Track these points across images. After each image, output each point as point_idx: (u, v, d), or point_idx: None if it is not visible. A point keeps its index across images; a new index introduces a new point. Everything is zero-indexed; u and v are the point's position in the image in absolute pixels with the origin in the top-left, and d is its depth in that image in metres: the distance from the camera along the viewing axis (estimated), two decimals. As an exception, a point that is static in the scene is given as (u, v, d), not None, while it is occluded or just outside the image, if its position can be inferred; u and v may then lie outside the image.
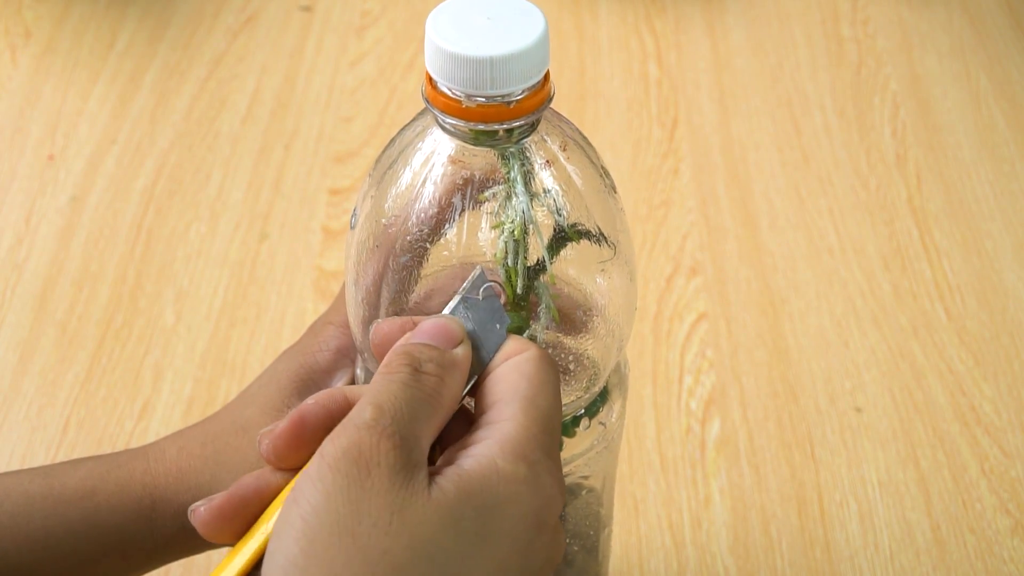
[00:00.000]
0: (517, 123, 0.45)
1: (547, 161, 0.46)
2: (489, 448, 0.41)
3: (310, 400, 0.43)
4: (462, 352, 0.44)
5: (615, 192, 0.49)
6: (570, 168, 0.47)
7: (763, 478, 0.73)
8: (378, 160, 0.49)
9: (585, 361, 0.49)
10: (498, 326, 0.45)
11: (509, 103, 0.44)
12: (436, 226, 0.46)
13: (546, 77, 0.45)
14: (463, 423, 0.44)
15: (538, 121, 0.46)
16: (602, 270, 0.48)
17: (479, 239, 0.46)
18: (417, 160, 0.47)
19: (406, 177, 0.47)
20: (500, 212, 0.46)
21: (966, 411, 0.77)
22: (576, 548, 0.57)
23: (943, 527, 0.71)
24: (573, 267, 0.48)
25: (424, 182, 0.46)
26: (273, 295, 0.84)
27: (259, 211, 0.90)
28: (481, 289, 0.45)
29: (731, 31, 1.05)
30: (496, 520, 0.40)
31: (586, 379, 0.50)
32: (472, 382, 0.44)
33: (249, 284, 0.84)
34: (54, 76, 1.01)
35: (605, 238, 0.48)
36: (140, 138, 0.95)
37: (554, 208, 0.46)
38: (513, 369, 0.43)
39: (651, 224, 0.88)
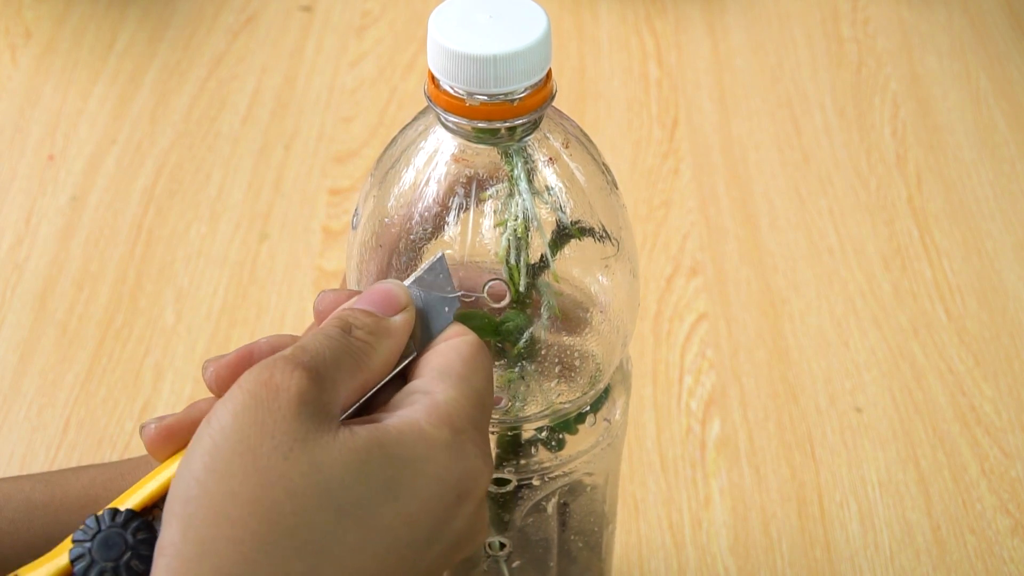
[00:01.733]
0: (520, 121, 0.45)
1: (550, 159, 0.46)
2: (416, 411, 0.41)
3: (262, 338, 0.44)
4: (400, 320, 0.44)
5: (617, 189, 0.49)
6: (572, 165, 0.47)
7: (763, 478, 0.73)
8: (380, 160, 0.49)
9: (589, 357, 0.49)
10: (447, 309, 0.45)
11: (512, 101, 0.44)
12: (438, 225, 0.46)
13: (548, 75, 0.45)
14: (394, 394, 0.44)
15: (541, 119, 0.46)
16: (605, 266, 0.48)
17: (482, 237, 0.46)
18: (419, 159, 0.47)
19: (408, 176, 0.47)
20: (503, 210, 0.46)
21: (966, 411, 0.77)
22: (580, 545, 0.57)
23: (943, 527, 0.71)
24: (577, 264, 0.48)
25: (427, 181, 0.46)
26: (273, 295, 0.84)
27: (259, 211, 0.90)
28: (438, 272, 0.45)
29: (731, 31, 1.05)
30: (408, 475, 0.40)
31: (590, 375, 0.50)
32: (412, 357, 0.44)
33: (249, 284, 0.84)
34: (54, 76, 1.01)
35: (608, 235, 0.48)
36: (140, 138, 0.95)
37: (557, 205, 0.46)
38: (451, 348, 0.44)
39: (651, 224, 0.88)
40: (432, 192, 0.46)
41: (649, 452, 0.74)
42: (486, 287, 0.45)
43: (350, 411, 0.43)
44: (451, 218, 0.46)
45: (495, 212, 0.46)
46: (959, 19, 1.06)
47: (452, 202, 0.46)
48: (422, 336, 0.45)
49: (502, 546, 0.54)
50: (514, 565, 0.55)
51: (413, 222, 0.46)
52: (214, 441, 0.39)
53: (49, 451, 0.74)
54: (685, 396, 0.77)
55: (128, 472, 0.51)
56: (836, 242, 0.87)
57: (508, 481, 0.51)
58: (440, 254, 0.45)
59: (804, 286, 0.84)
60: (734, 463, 0.74)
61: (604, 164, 0.49)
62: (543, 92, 0.45)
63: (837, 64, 1.02)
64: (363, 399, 0.43)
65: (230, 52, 1.03)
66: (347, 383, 0.41)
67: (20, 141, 0.95)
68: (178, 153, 0.94)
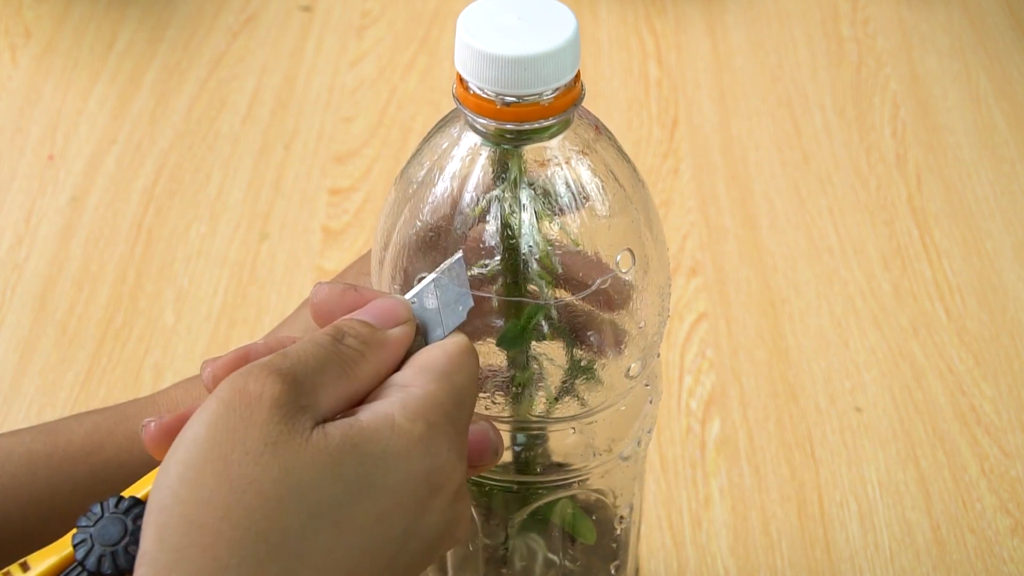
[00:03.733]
0: (550, 122, 0.45)
1: (580, 155, 0.46)
2: (390, 405, 0.41)
3: (260, 340, 0.44)
4: (397, 332, 0.44)
5: (646, 188, 0.49)
6: (602, 162, 0.47)
7: (763, 478, 0.73)
8: (405, 168, 0.49)
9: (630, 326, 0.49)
10: (461, 308, 0.45)
11: (543, 102, 0.44)
12: (467, 228, 0.46)
13: (577, 76, 0.45)
14: None
15: (571, 120, 0.46)
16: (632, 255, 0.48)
17: (511, 238, 0.46)
18: (447, 163, 0.47)
19: (437, 180, 0.47)
20: (528, 208, 0.46)
21: (966, 411, 0.77)
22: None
23: (943, 527, 0.71)
24: (605, 246, 0.47)
25: (455, 185, 0.46)
26: (273, 295, 0.84)
27: (259, 211, 0.90)
28: (456, 273, 0.45)
29: (731, 31, 1.05)
30: (381, 472, 0.40)
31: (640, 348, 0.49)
32: None
33: (249, 284, 0.84)
34: (54, 76, 1.01)
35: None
36: (140, 138, 0.95)
37: (579, 203, 0.46)
38: (438, 346, 0.44)
39: (651, 224, 0.88)
40: (460, 196, 0.46)
41: (649, 452, 0.74)
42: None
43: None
44: (481, 219, 0.46)
45: (521, 211, 0.46)
46: (959, 19, 1.06)
47: (481, 203, 0.46)
48: (429, 339, 0.45)
49: (504, 551, 0.54)
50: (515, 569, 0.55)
51: (444, 227, 0.46)
52: (187, 450, 0.39)
53: (49, 451, 0.74)
54: (685, 396, 0.77)
55: (133, 415, 0.50)
56: (836, 242, 0.87)
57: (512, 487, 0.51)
58: (458, 255, 0.45)
59: (804, 286, 0.84)
60: (734, 463, 0.74)
61: (632, 164, 0.49)
62: (573, 93, 0.45)
63: (837, 64, 1.02)
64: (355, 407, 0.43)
65: (230, 52, 1.03)
66: (330, 390, 0.41)
67: (20, 141, 0.95)
68: (178, 153, 0.94)
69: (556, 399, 0.49)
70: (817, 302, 0.83)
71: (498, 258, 0.46)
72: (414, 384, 0.42)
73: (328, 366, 0.41)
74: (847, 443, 0.75)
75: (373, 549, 0.39)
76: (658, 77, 1.01)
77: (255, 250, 0.87)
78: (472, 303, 0.45)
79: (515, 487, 0.52)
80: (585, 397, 0.49)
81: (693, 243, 0.87)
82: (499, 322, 0.47)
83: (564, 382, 0.49)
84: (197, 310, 0.83)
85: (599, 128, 0.48)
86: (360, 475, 0.39)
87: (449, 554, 0.55)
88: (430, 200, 0.47)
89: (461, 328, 0.45)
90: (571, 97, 0.45)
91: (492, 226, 0.46)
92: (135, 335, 0.81)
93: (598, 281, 0.47)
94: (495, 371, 0.48)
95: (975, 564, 0.70)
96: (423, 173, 0.47)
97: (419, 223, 0.47)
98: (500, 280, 0.47)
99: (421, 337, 0.45)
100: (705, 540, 0.70)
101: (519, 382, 0.48)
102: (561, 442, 0.51)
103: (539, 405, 0.49)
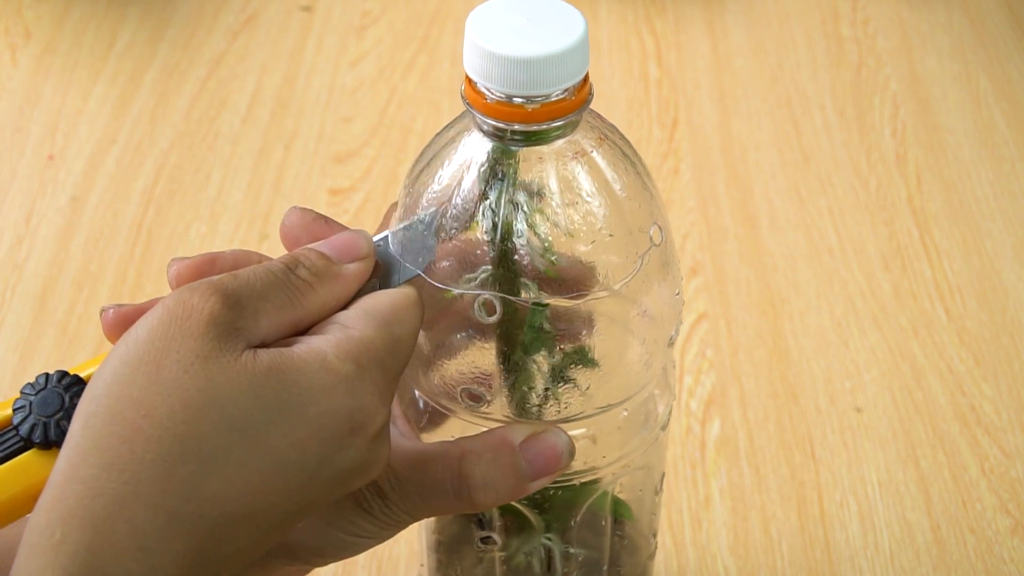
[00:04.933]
0: (559, 123, 0.45)
1: (587, 155, 0.46)
2: (326, 342, 0.42)
3: (227, 250, 0.47)
4: (353, 268, 0.45)
5: (654, 188, 0.50)
6: (609, 161, 0.47)
7: (763, 478, 0.73)
8: (412, 170, 0.49)
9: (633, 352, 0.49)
10: (420, 260, 0.46)
11: (551, 103, 0.44)
12: (480, 227, 0.46)
13: (586, 77, 0.45)
14: None
15: (579, 120, 0.46)
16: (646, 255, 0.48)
17: (520, 237, 0.46)
18: (454, 165, 0.47)
19: (444, 181, 0.47)
20: (535, 209, 0.46)
21: (966, 411, 0.77)
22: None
23: (943, 527, 0.71)
24: (617, 255, 0.47)
25: (462, 186, 0.46)
26: (273, 295, 0.84)
27: (259, 211, 0.90)
28: (428, 226, 0.46)
29: (731, 31, 1.05)
30: (301, 402, 0.41)
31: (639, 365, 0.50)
32: None
33: (249, 284, 0.84)
34: (54, 76, 1.01)
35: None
36: (140, 138, 0.95)
37: (589, 204, 0.46)
38: (386, 294, 0.45)
39: (651, 224, 0.88)
40: (467, 197, 0.46)
41: (649, 452, 0.74)
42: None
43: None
44: (488, 220, 0.46)
45: (528, 211, 0.46)
46: (959, 19, 1.06)
47: (487, 204, 0.46)
48: (385, 284, 0.46)
49: (493, 541, 0.54)
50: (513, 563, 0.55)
51: (452, 227, 0.46)
52: (128, 349, 0.41)
53: (49, 451, 0.74)
54: (685, 396, 0.77)
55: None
56: (836, 242, 0.87)
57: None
58: (432, 209, 0.46)
59: (804, 286, 0.84)
60: (734, 463, 0.74)
61: (642, 164, 0.49)
62: (581, 94, 0.45)
63: (837, 64, 1.02)
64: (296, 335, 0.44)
65: (230, 52, 1.03)
66: (272, 316, 0.43)
67: (20, 141, 0.95)
68: (178, 153, 0.94)
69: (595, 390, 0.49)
70: (817, 302, 0.83)
71: (501, 256, 0.46)
72: (354, 327, 0.43)
73: (273, 293, 0.43)
74: (847, 443, 0.75)
75: (284, 471, 0.41)
76: (658, 77, 1.01)
77: (255, 250, 0.87)
78: (433, 257, 0.46)
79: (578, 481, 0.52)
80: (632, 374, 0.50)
81: (693, 243, 0.87)
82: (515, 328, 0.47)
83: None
84: (197, 310, 0.83)
85: (605, 128, 0.48)
86: (281, 400, 0.41)
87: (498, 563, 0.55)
88: (436, 202, 0.47)
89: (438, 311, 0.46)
90: (580, 98, 0.45)
91: (499, 226, 0.46)
92: (135, 335, 0.81)
93: (640, 259, 0.47)
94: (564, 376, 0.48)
95: (975, 564, 0.70)
96: (430, 176, 0.47)
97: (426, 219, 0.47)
98: (500, 281, 0.47)
99: (376, 280, 0.46)
100: (705, 540, 0.70)
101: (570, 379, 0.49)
102: (614, 428, 0.52)
103: (591, 398, 0.49)
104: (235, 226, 0.88)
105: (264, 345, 0.42)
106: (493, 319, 0.47)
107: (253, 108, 0.98)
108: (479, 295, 0.47)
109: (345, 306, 0.45)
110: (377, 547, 0.51)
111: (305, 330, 0.44)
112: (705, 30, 1.05)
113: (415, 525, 0.51)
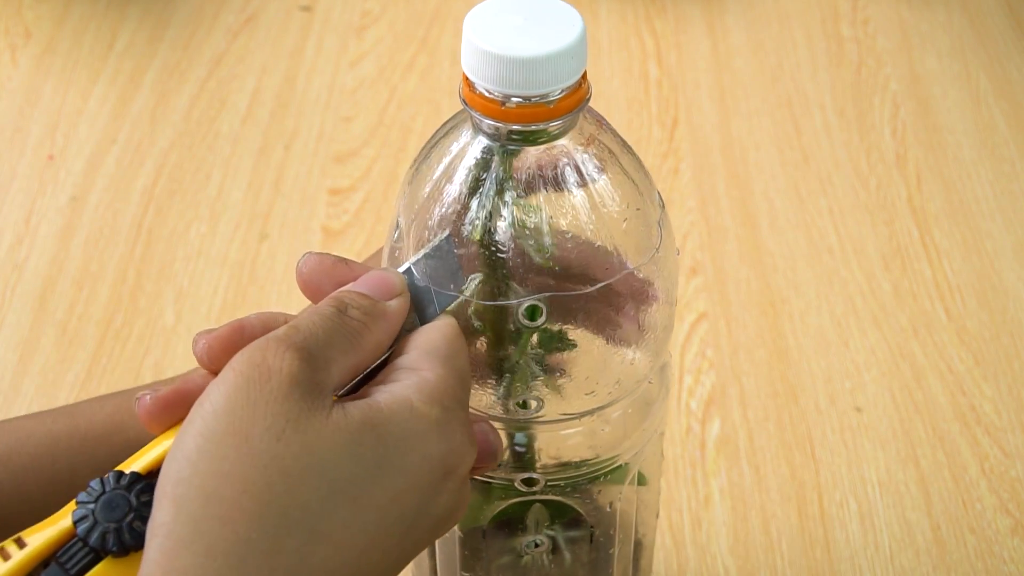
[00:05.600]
0: (557, 123, 0.45)
1: (585, 156, 0.46)
2: (407, 388, 0.42)
3: (253, 314, 0.44)
4: (395, 305, 0.44)
5: (658, 195, 0.50)
6: (608, 161, 0.47)
7: (763, 478, 0.73)
8: (412, 169, 0.49)
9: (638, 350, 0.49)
10: (452, 286, 0.46)
11: (549, 103, 0.44)
12: (473, 228, 0.46)
13: (583, 76, 0.45)
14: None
15: (576, 120, 0.46)
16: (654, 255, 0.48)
17: (513, 235, 0.46)
18: (452, 164, 0.47)
19: (441, 180, 0.47)
20: (530, 208, 0.46)
21: (966, 411, 0.77)
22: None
23: (943, 527, 0.71)
24: (633, 251, 0.47)
25: (460, 186, 0.46)
26: (273, 295, 0.84)
27: (259, 211, 0.90)
28: (444, 252, 0.45)
29: (731, 31, 1.05)
30: (399, 454, 0.40)
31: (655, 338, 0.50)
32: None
33: (249, 284, 0.84)
34: (54, 76, 1.01)
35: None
36: (140, 138, 0.95)
37: (592, 202, 0.46)
38: (434, 329, 0.44)
39: (651, 224, 0.88)
40: (465, 196, 0.46)
41: (649, 452, 0.74)
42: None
43: (344, 390, 0.43)
44: (484, 219, 0.46)
45: (525, 211, 0.46)
46: (959, 19, 1.06)
47: (485, 205, 0.46)
48: (421, 315, 0.45)
49: (538, 544, 0.54)
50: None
51: (467, 239, 0.46)
52: (206, 422, 0.39)
53: (49, 451, 0.74)
54: (685, 396, 0.77)
55: None
56: (836, 242, 0.87)
57: (536, 481, 0.51)
58: (447, 233, 0.46)
59: (804, 286, 0.84)
60: (734, 463, 0.74)
61: (642, 166, 0.49)
62: (579, 93, 0.45)
63: (837, 64, 1.02)
64: (357, 379, 0.43)
65: (230, 52, 1.03)
66: (340, 362, 0.42)
67: (20, 141, 0.95)
68: (178, 153, 0.94)
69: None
70: (817, 302, 0.83)
71: (503, 256, 0.46)
72: (423, 368, 0.42)
73: (336, 339, 0.42)
74: (847, 443, 0.75)
75: (387, 526, 0.40)
76: (658, 77, 1.01)
77: (255, 250, 0.87)
78: (463, 282, 0.46)
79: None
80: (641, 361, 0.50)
81: (693, 243, 0.87)
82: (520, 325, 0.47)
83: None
84: (197, 310, 0.83)
85: (603, 126, 0.48)
86: (379, 455, 0.40)
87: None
88: (436, 202, 0.47)
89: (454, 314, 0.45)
90: (578, 97, 0.45)
91: (500, 226, 0.46)
92: (135, 335, 0.81)
93: (648, 256, 0.47)
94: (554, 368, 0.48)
95: (975, 564, 0.70)
96: (429, 176, 0.47)
97: (427, 226, 0.47)
98: (500, 281, 0.47)
99: (414, 314, 0.45)
100: (705, 540, 0.70)
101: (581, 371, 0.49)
102: (644, 403, 0.52)
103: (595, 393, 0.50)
104: (235, 226, 0.88)
105: (337, 395, 0.41)
106: (540, 321, 0.47)
107: (253, 108, 0.98)
108: (521, 302, 0.46)
109: (394, 342, 0.44)
110: None
111: (365, 371, 0.43)
112: (705, 30, 1.05)
113: None
